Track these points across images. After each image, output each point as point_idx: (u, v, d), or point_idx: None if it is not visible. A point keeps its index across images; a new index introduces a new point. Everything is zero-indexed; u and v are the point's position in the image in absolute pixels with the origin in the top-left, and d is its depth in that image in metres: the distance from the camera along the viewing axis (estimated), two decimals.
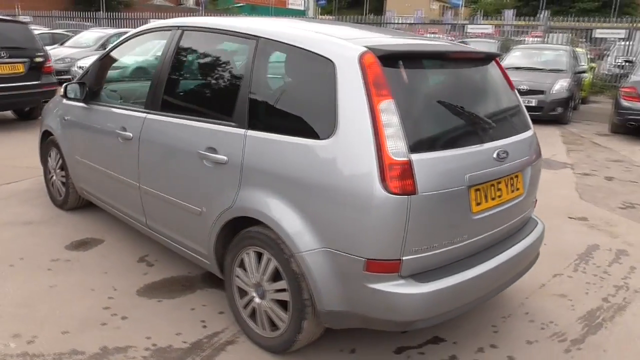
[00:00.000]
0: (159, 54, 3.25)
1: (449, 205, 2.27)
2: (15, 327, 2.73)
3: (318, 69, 2.35)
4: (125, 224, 3.87)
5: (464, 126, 2.49)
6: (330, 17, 45.54)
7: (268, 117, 2.53)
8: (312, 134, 2.30)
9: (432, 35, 26.08)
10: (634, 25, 15.65)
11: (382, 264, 2.16)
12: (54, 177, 4.42)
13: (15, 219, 4.19)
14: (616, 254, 4.01)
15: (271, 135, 2.44)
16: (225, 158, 2.59)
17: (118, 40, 3.65)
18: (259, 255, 2.55)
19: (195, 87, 3.09)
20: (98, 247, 3.74)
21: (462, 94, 2.61)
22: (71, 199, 4.28)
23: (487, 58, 2.83)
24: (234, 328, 2.80)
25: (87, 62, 12.39)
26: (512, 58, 11.24)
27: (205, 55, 3.08)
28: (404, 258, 2.17)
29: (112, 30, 15.65)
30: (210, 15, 27.91)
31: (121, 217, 3.67)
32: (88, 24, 23.03)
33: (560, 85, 9.79)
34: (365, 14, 52.46)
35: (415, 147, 2.16)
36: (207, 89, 2.99)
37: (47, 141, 4.41)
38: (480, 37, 18.05)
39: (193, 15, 30.05)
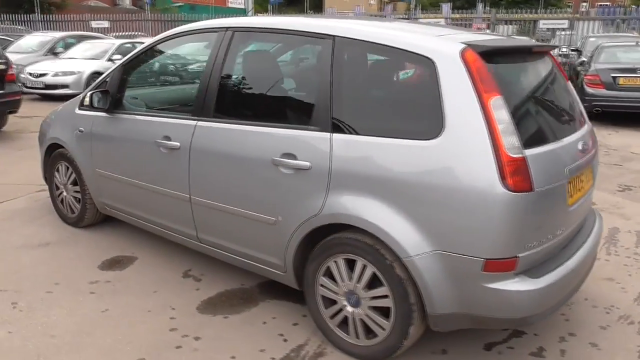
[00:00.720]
0: (201, 57, 3.09)
1: (555, 199, 2.28)
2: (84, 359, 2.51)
3: (416, 68, 2.29)
4: (154, 238, 3.69)
5: (555, 119, 2.52)
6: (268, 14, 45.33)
7: (357, 119, 2.44)
8: (414, 135, 2.24)
9: None
10: (576, 16, 16.50)
11: (500, 263, 2.14)
12: (64, 194, 4.11)
13: (28, 241, 3.86)
14: (637, 235, 4.21)
15: (364, 138, 2.36)
16: (307, 164, 2.49)
17: (144, 46, 3.43)
18: (350, 262, 2.47)
19: (259, 91, 2.93)
20: (134, 265, 3.51)
21: (544, 88, 2.64)
22: (88, 216, 4.00)
23: (548, 52, 2.87)
24: (316, 339, 2.70)
25: (38, 68, 11.70)
26: None
27: (268, 57, 2.94)
28: (520, 255, 2.16)
29: (58, 34, 14.81)
30: (153, 15, 27.00)
31: (158, 232, 3.46)
32: (20, 27, 21.64)
33: None
34: (306, 11, 52.51)
35: (525, 143, 2.16)
36: (274, 93, 2.85)
37: (54, 155, 4.09)
38: None
39: (132, 16, 28.98)
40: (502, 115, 2.13)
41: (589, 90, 9.05)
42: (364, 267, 2.41)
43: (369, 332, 2.49)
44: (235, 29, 2.93)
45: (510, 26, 17.57)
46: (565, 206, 2.37)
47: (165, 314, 2.92)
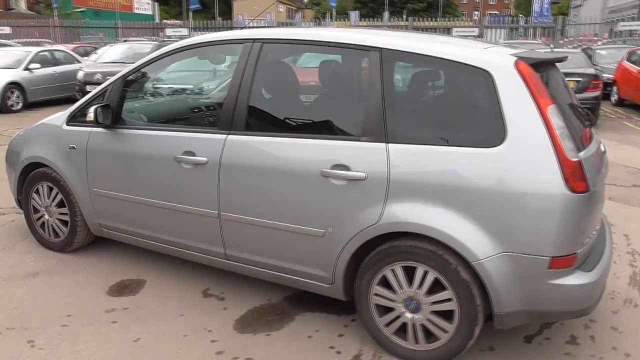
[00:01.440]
0: (221, 68, 2.99)
1: (599, 198, 2.49)
2: None
3: (471, 79, 2.40)
4: (157, 258, 3.55)
5: (581, 124, 2.72)
6: (177, 21, 44.11)
7: (413, 129, 2.50)
8: (476, 143, 2.34)
9: None
10: (484, 24, 17.77)
11: (564, 260, 2.29)
12: (46, 217, 3.77)
13: (12, 271, 3.50)
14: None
15: (423, 148, 2.42)
16: (363, 174, 2.50)
17: (150, 57, 3.24)
18: (408, 269, 2.52)
19: (299, 103, 2.89)
20: (146, 289, 3.30)
21: (567, 94, 2.83)
22: (78, 240, 3.70)
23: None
24: (369, 348, 2.71)
25: None
26: None
27: (306, 69, 2.91)
28: (578, 252, 2.33)
29: None
30: (59, 21, 25.32)
31: (172, 252, 3.28)
32: None
33: None
34: (215, 18, 51.81)
35: (577, 148, 2.34)
36: (317, 105, 2.83)
37: (32, 175, 3.74)
38: None
39: (29, 20, 26.94)
40: (559, 121, 2.29)
41: None
42: (425, 273, 2.47)
43: (429, 336, 2.55)
44: (264, 41, 2.88)
45: (503, 30, 18.47)
46: (601, 204, 2.59)
47: (204, 338, 2.79)
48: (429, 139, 2.44)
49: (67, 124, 3.54)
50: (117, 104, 3.29)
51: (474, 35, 17.71)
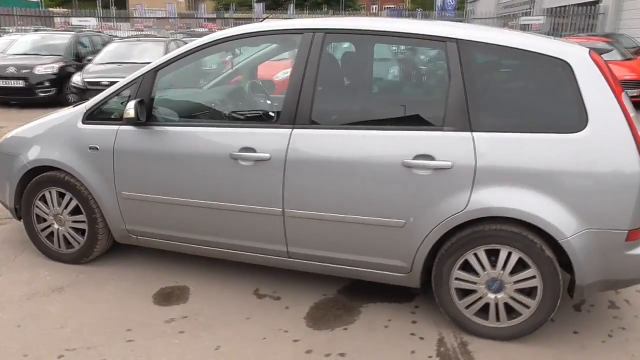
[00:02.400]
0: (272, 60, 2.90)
1: None
2: None
3: (550, 69, 2.54)
4: (188, 262, 3.41)
5: None
6: (64, 9, 40.91)
7: (496, 118, 2.59)
8: (559, 129, 2.49)
9: (207, 30, 25.86)
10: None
11: (637, 232, 2.53)
12: (56, 226, 3.42)
13: (32, 289, 3.14)
14: None
15: (509, 135, 2.53)
16: (449, 163, 2.57)
17: (187, 48, 3.03)
18: (490, 252, 2.63)
19: (372, 94, 2.85)
20: (194, 295, 3.12)
21: None
22: (98, 248, 3.39)
23: None
24: (448, 331, 2.79)
25: None
26: None
27: (378, 59, 2.87)
28: None
29: None
30: None
31: (221, 254, 3.14)
32: None
33: None
34: (111, 6, 48.70)
35: None
36: (392, 96, 2.82)
37: (37, 181, 3.36)
38: None
39: None
40: (630, 107, 2.51)
41: None
42: (509, 254, 2.60)
43: (511, 313, 2.68)
44: (328, 31, 2.82)
45: None
46: None
47: (284, 338, 2.71)
48: (512, 127, 2.55)
49: (85, 122, 3.23)
50: (149, 100, 3.06)
51: None
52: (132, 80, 3.13)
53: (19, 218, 3.57)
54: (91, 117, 3.23)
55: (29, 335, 2.68)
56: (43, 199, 3.41)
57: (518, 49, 2.59)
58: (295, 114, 2.81)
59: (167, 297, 3.10)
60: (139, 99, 2.99)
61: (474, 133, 2.57)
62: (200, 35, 17.74)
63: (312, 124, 2.79)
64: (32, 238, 3.54)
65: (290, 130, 2.80)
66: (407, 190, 2.65)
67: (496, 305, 2.68)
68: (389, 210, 2.70)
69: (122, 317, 2.86)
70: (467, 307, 2.74)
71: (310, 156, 2.77)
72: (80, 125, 3.24)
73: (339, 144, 2.74)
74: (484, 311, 2.72)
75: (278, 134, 2.82)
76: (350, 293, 3.18)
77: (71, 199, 3.33)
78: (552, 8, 22.53)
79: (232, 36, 3.00)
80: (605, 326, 2.87)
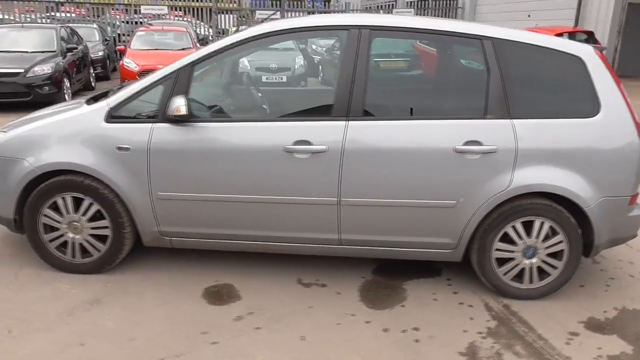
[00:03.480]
0: (315, 56, 2.98)
1: None
2: None
3: (568, 64, 2.99)
4: (217, 259, 3.37)
5: None
6: None
7: (529, 106, 2.96)
8: (579, 114, 2.96)
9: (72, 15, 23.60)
10: (286, 8, 18.73)
11: (635, 196, 3.11)
12: (70, 235, 3.13)
13: (64, 304, 2.87)
14: None
15: (541, 121, 2.94)
16: (494, 147, 2.91)
17: (223, 42, 2.96)
18: (525, 224, 3.04)
19: (421, 87, 3.04)
20: (244, 291, 3.10)
21: None
22: (123, 254, 3.18)
23: None
24: (487, 298, 3.15)
25: None
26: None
27: (419, 55, 3.06)
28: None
29: None
30: None
31: (266, 248, 3.16)
32: None
33: None
34: None
35: None
36: (439, 88, 3.03)
37: (46, 187, 3.04)
38: (150, 19, 17.38)
39: None
40: (627, 96, 3.06)
41: None
42: (542, 223, 3.03)
43: (543, 275, 3.12)
44: (374, 28, 2.97)
45: (230, 15, 18.62)
46: None
47: (357, 321, 2.86)
48: (542, 113, 2.96)
49: (109, 121, 3.00)
50: (187, 95, 2.95)
51: (277, 19, 18.50)
52: (166, 76, 2.99)
53: (18, 230, 3.19)
54: (116, 115, 3.01)
55: (104, 352, 2.49)
56: (53, 207, 3.10)
57: (541, 46, 3.00)
58: (348, 106, 2.93)
59: (217, 296, 3.04)
60: (184, 95, 2.87)
61: (513, 120, 2.93)
62: (63, 20, 16.21)
63: (366, 115, 2.94)
64: (38, 250, 3.19)
65: (346, 122, 2.92)
66: (458, 174, 2.94)
67: (531, 269, 3.10)
68: (442, 192, 2.96)
69: (188, 321, 2.76)
70: (505, 274, 3.12)
71: (367, 146, 2.92)
72: (103, 124, 3.00)
73: (393, 134, 2.93)
74: (518, 276, 3.13)
75: (334, 126, 2.92)
76: (384, 273, 3.40)
77: (91, 204, 3.08)
78: (413, 1, 24.44)
79: (275, 31, 3.01)
80: (600, 278, 3.46)
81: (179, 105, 2.82)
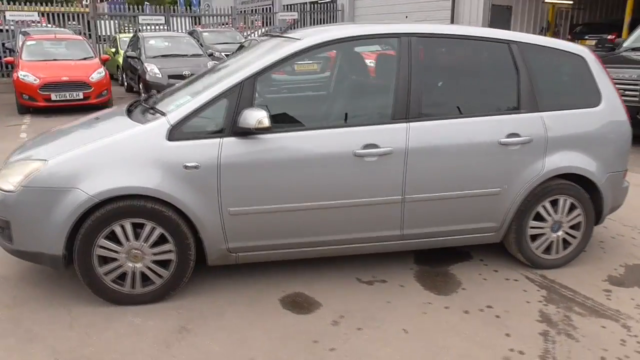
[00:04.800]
0: (369, 63, 3.15)
1: None
2: None
3: (572, 62, 3.48)
4: (267, 269, 3.35)
5: None
6: None
7: (551, 100, 3.40)
8: (586, 105, 3.47)
9: None
10: (170, 13, 18.07)
11: (626, 170, 3.72)
12: (130, 264, 2.91)
13: (155, 337, 2.68)
14: None
15: (561, 112, 3.40)
16: (530, 137, 3.30)
17: (281, 54, 2.96)
18: (552, 202, 3.49)
19: (466, 88, 3.28)
20: (319, 296, 3.14)
21: None
22: (188, 277, 3.02)
23: None
24: (526, 270, 3.54)
25: None
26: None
27: (461, 59, 3.30)
28: None
29: None
30: None
31: (327, 252, 3.22)
32: None
33: None
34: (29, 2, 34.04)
35: None
36: (480, 88, 3.31)
37: (104, 215, 2.79)
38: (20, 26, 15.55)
39: None
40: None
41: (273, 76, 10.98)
42: (565, 201, 3.49)
43: (566, 245, 3.59)
44: (420, 35, 3.19)
45: (112, 22, 17.45)
46: None
47: (438, 308, 3.06)
48: (561, 106, 3.42)
49: (172, 140, 2.84)
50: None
51: (162, 24, 17.73)
52: (230, 88, 2.91)
53: (64, 267, 2.88)
54: (178, 132, 2.87)
55: None
56: (109, 236, 2.86)
57: (553, 47, 3.46)
58: (407, 109, 3.12)
59: (297, 305, 3.05)
60: (263, 107, 2.84)
61: (541, 113, 3.35)
62: None
63: (423, 116, 3.16)
64: (92, 285, 2.91)
65: (407, 124, 3.11)
66: (503, 163, 3.29)
67: (557, 242, 3.56)
68: (490, 181, 3.29)
69: (292, 334, 2.75)
70: (537, 248, 3.54)
71: (426, 145, 3.14)
72: (166, 143, 2.84)
73: (448, 131, 3.19)
74: (547, 249, 3.57)
75: (397, 129, 3.09)
76: (425, 262, 3.64)
77: (153, 229, 2.89)
78: (290, 5, 24.95)
79: (334, 40, 3.10)
80: (592, 244, 4.04)
81: (261, 117, 2.78)
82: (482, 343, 2.74)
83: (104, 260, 2.91)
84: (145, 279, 2.98)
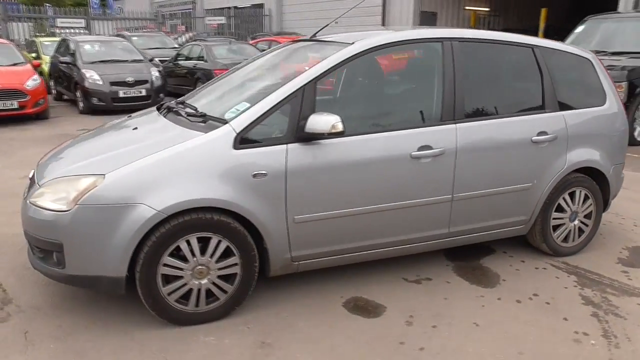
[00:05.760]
0: (417, 66, 3.24)
1: None
2: None
3: (581, 64, 3.79)
4: (312, 277, 3.34)
5: None
6: None
7: (568, 99, 3.66)
8: (595, 104, 3.79)
9: None
10: (91, 16, 17.10)
11: (624, 163, 4.08)
12: (196, 281, 2.76)
13: (242, 354, 2.53)
14: None
15: (577, 111, 3.68)
16: (555, 135, 3.54)
17: (336, 59, 2.95)
18: (571, 194, 3.76)
19: (501, 89, 3.44)
20: (382, 298, 3.15)
21: None
22: (252, 288, 2.91)
23: None
24: (549, 259, 3.78)
25: None
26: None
27: (494, 62, 3.44)
28: None
29: None
30: None
31: (391, 253, 3.28)
32: None
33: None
34: None
35: None
36: (512, 88, 3.48)
37: (169, 231, 2.62)
38: None
39: None
40: None
41: None
42: (580, 192, 3.78)
43: (580, 233, 3.88)
44: (461, 39, 3.32)
45: (25, 24, 16.14)
46: None
47: (491, 300, 3.19)
48: (576, 105, 3.70)
49: (238, 148, 2.73)
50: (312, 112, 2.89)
51: (82, 27, 16.70)
52: (293, 93, 2.86)
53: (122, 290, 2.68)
54: (244, 140, 2.76)
55: None
56: (174, 253, 2.69)
57: (566, 51, 3.74)
58: (454, 110, 3.23)
59: (362, 309, 3.05)
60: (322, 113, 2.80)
61: (563, 112, 3.61)
62: None
63: (468, 117, 3.28)
64: (155, 307, 2.72)
65: (455, 125, 3.22)
66: (534, 160, 3.50)
67: (574, 230, 3.84)
68: (523, 177, 3.49)
69: (375, 338, 2.75)
70: (558, 237, 3.80)
71: (473, 144, 3.27)
72: (234, 151, 2.73)
73: (490, 131, 3.34)
74: (565, 238, 3.84)
75: (447, 130, 3.19)
76: (457, 258, 3.77)
77: (219, 242, 2.76)
78: (213, 9, 24.52)
79: (385, 45, 3.13)
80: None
81: (335, 122, 2.74)
82: (548, 328, 2.90)
83: (166, 278, 2.73)
84: (208, 295, 2.84)
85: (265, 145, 2.80)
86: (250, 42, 13.99)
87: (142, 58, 11.16)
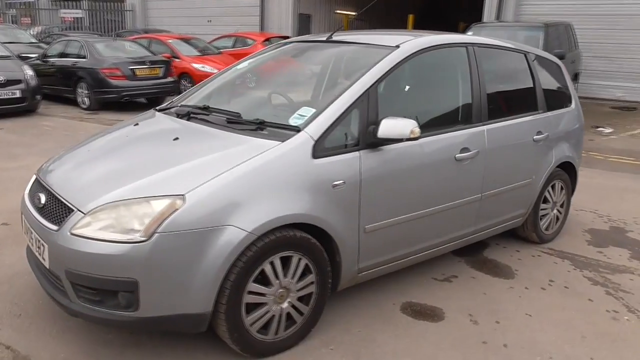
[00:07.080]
0: (445, 70, 3.33)
1: None
2: None
3: (555, 69, 4.19)
4: (378, 286, 3.31)
5: None
6: None
7: (549, 101, 4.01)
8: (565, 105, 4.24)
9: None
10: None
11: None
12: (277, 307, 2.50)
13: None
14: None
15: (555, 112, 4.07)
16: (547, 134, 3.88)
17: (389, 63, 2.88)
18: (552, 187, 4.15)
19: (511, 91, 3.61)
20: (432, 300, 3.15)
21: None
22: (324, 306, 2.71)
23: None
24: (544, 248, 4.13)
25: None
26: None
27: (503, 67, 3.60)
28: None
29: None
30: None
31: (429, 255, 3.28)
32: None
33: None
34: None
35: None
36: (515, 93, 3.68)
37: (257, 254, 2.33)
38: None
39: None
40: None
41: (113, 82, 9.76)
42: (558, 184, 4.19)
43: (557, 221, 4.31)
44: (479, 45, 3.45)
45: None
46: None
47: (519, 290, 3.40)
48: (555, 106, 4.09)
49: (317, 157, 2.52)
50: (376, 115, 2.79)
51: None
52: (359, 97, 2.72)
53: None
54: (321, 148, 2.56)
55: None
56: (258, 278, 2.40)
57: (543, 56, 4.12)
58: (480, 112, 3.36)
59: (423, 314, 3.03)
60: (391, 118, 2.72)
61: (549, 112, 3.96)
62: None
63: (491, 119, 3.44)
64: (240, 342, 2.39)
65: (483, 126, 3.35)
66: (534, 157, 3.80)
67: (553, 218, 4.24)
68: (526, 173, 3.77)
69: (458, 341, 2.76)
70: (543, 225, 4.17)
71: (497, 145, 3.44)
72: (314, 161, 2.51)
73: (508, 131, 3.55)
74: (547, 226, 4.22)
75: (478, 131, 3.32)
76: (462, 254, 3.93)
77: (299, 261, 2.53)
78: (62, 1, 22.07)
79: (430, 47, 3.15)
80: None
81: (413, 127, 2.66)
82: (586, 310, 3.18)
83: (247, 307, 2.42)
84: (288, 319, 2.59)
85: (339, 153, 2.64)
86: (130, 38, 12.86)
87: (9, 54, 9.64)
